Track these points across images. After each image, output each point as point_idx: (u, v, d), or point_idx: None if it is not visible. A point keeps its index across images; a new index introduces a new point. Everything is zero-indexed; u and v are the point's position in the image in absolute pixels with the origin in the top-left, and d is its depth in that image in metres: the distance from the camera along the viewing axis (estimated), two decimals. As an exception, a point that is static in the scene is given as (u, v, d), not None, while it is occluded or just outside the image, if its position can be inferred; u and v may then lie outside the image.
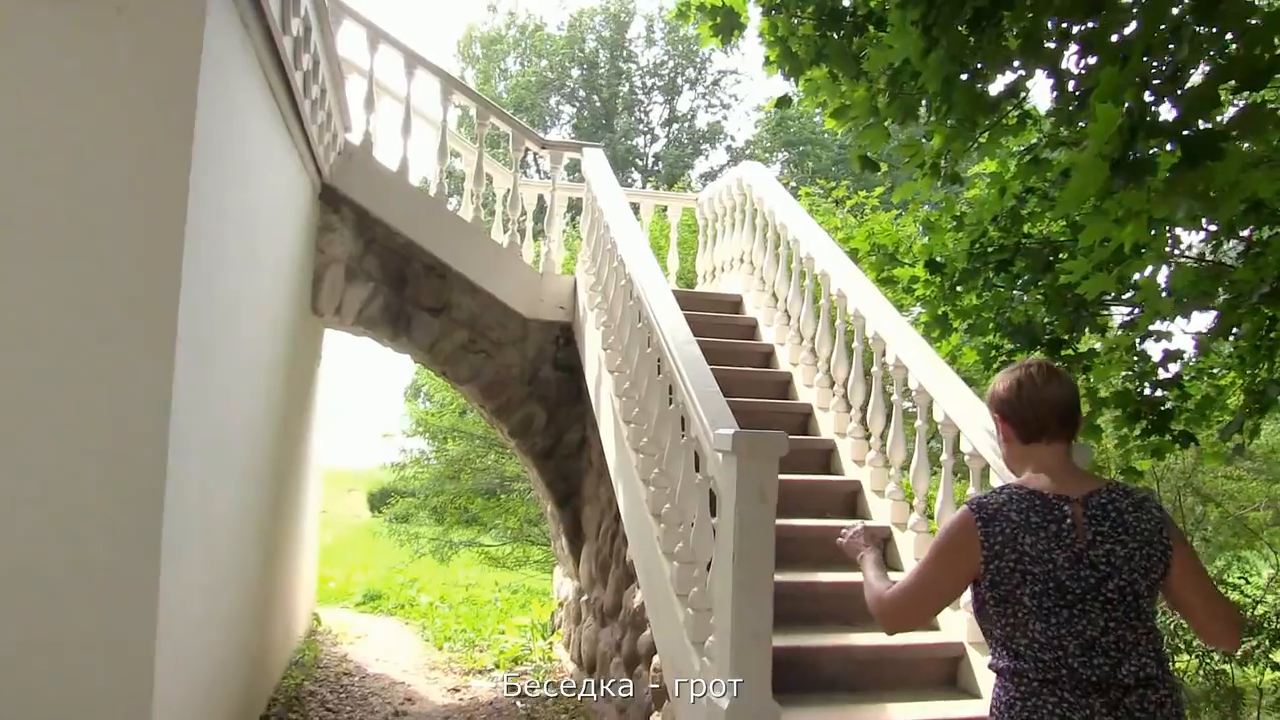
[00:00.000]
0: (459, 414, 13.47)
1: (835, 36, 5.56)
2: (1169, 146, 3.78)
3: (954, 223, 6.37)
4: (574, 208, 9.90)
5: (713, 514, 3.85)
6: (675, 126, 36.90)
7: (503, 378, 6.99)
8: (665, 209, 9.06)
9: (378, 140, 7.02)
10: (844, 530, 2.82)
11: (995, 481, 4.31)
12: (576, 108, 36.26)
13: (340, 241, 6.74)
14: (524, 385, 7.04)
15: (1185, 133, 3.44)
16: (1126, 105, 3.65)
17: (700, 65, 36.64)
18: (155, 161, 3.16)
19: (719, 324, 6.94)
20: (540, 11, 36.90)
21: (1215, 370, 6.62)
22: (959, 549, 2.22)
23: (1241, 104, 4.21)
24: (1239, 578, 6.21)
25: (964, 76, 5.14)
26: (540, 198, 8.45)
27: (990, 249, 6.28)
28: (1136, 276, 5.11)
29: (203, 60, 3.21)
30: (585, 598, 6.91)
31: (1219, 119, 4.26)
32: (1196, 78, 3.80)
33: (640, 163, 34.43)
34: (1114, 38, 4.25)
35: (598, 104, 36.03)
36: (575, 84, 36.50)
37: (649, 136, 36.85)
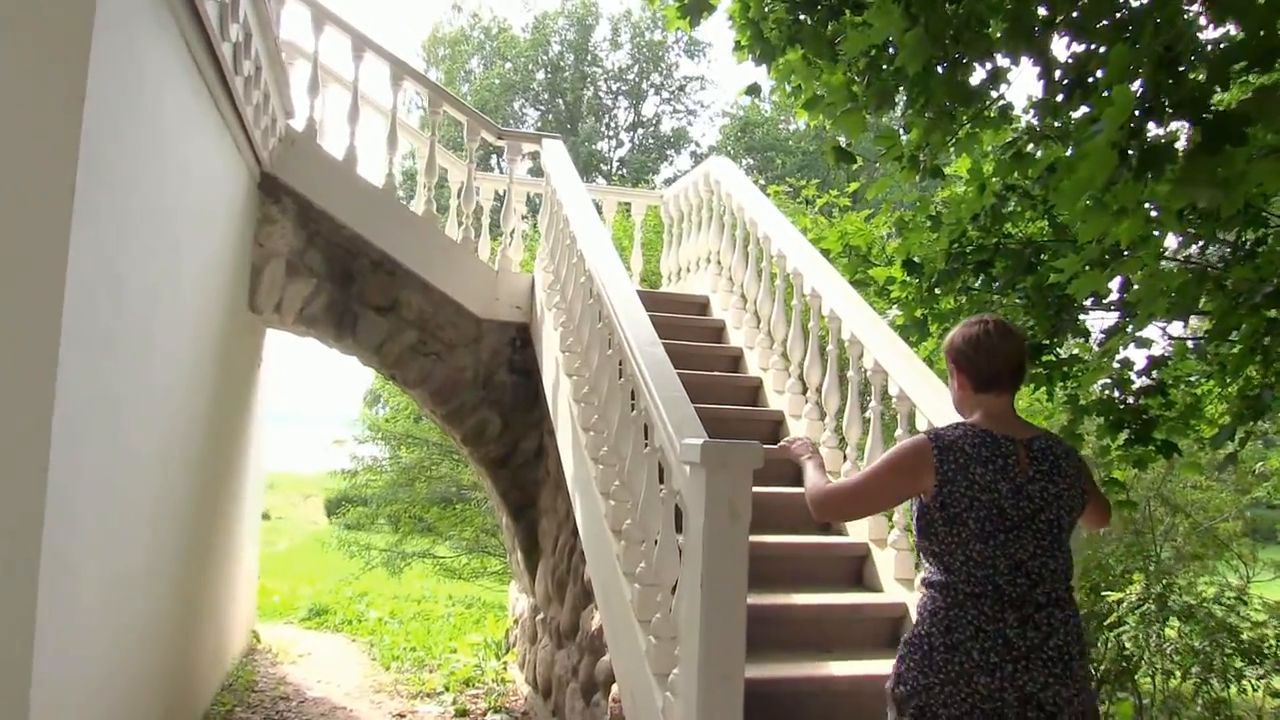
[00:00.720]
0: (413, 419, 12.99)
1: (810, 20, 5.22)
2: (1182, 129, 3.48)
3: (929, 222, 6.06)
4: (535, 204, 9.50)
5: (679, 531, 3.48)
6: (640, 131, 36.62)
7: (454, 381, 6.57)
8: (629, 206, 8.69)
9: (323, 128, 6.59)
10: (791, 439, 3.16)
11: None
12: (541, 111, 35.85)
13: (281, 234, 6.29)
14: (477, 389, 6.62)
15: (1205, 115, 3.13)
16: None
17: (666, 70, 36.43)
18: (36, 130, 2.73)
19: (685, 326, 6.57)
20: (505, 14, 36.25)
21: (1192, 377, 6.37)
22: (909, 470, 2.52)
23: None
24: (1232, 597, 5.94)
25: (941, 69, 4.85)
26: (498, 193, 8.04)
27: (969, 249, 5.97)
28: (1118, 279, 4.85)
29: (97, 17, 2.79)
30: (541, 616, 6.50)
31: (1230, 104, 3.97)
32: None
33: (605, 167, 34.06)
34: (1108, 20, 3.96)
35: (562, 107, 35.64)
36: (539, 87, 36.11)
37: (614, 141, 36.54)
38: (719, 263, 7.04)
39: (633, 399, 4.20)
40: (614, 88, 36.76)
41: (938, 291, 6.10)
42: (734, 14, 5.43)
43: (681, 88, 36.91)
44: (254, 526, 8.10)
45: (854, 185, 6.98)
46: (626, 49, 36.41)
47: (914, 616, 2.54)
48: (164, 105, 3.69)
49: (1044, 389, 6.05)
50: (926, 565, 2.55)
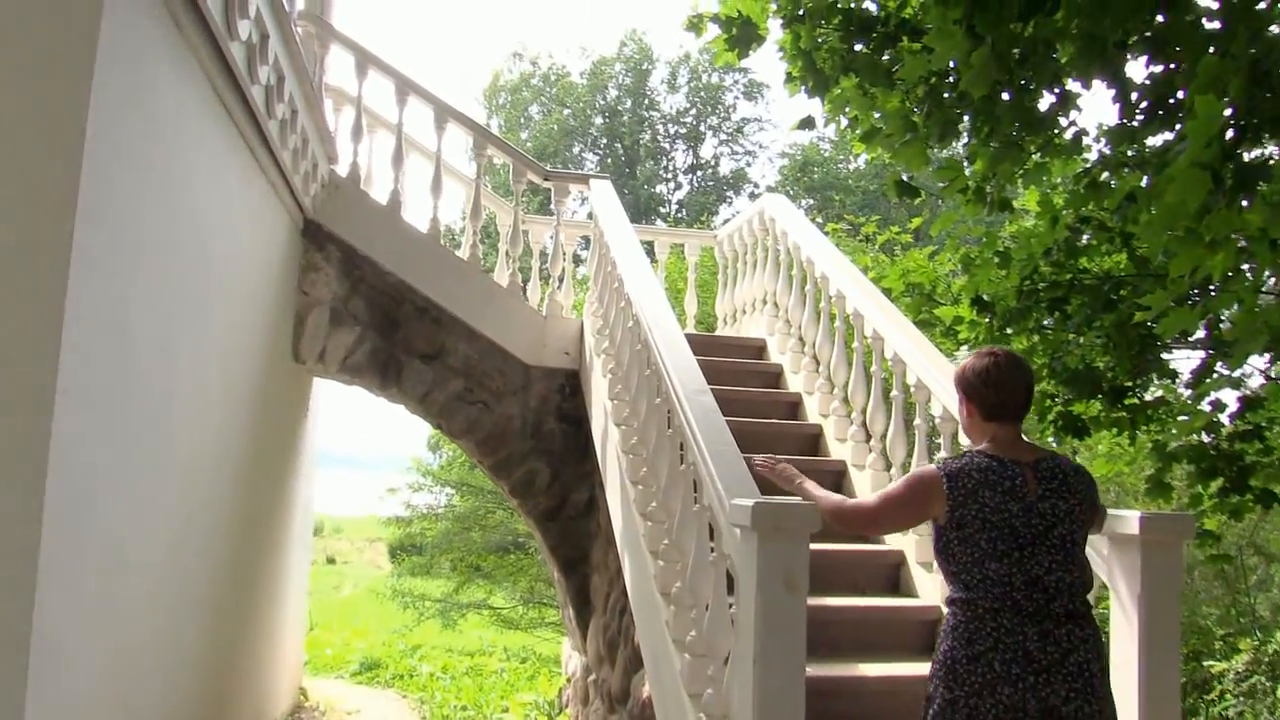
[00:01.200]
0: (469, 466, 12.81)
1: (864, 48, 4.95)
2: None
3: (996, 258, 5.71)
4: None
5: (732, 593, 3.17)
6: (699, 174, 36.52)
7: (502, 430, 6.34)
8: (682, 247, 8.44)
9: (368, 173, 6.47)
10: (767, 458, 3.22)
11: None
12: (599, 155, 35.98)
13: (324, 282, 6.16)
14: (526, 439, 6.38)
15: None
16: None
17: (724, 112, 36.37)
18: (33, 172, 2.56)
19: (741, 370, 6.27)
20: (563, 60, 36.62)
21: (1283, 419, 5.88)
22: (921, 500, 2.67)
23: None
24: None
25: (1005, 96, 4.54)
26: (548, 236, 7.86)
27: (1042, 286, 5.60)
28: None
29: (100, 51, 2.63)
30: (593, 677, 6.18)
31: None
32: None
33: (664, 210, 33.98)
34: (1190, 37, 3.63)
35: (620, 151, 35.74)
36: (597, 132, 36.28)
37: (672, 183, 36.48)
38: (775, 304, 6.74)
39: (682, 451, 3.91)
40: (671, 130, 36.79)
41: (1009, 331, 5.73)
42: (785, 45, 5.18)
43: (739, 129, 36.77)
44: (302, 578, 7.92)
45: (917, 221, 6.65)
46: (684, 92, 36.44)
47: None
48: (183, 148, 3.54)
49: (1126, 434, 5.63)
50: (949, 587, 2.66)
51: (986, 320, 5.71)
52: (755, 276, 7.08)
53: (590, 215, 6.62)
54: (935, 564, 2.75)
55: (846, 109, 4.96)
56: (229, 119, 4.08)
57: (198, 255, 3.86)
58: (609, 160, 35.41)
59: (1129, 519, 3.20)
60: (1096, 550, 3.46)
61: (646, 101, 36.22)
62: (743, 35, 5.15)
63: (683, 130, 36.49)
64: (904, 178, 5.00)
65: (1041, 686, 2.41)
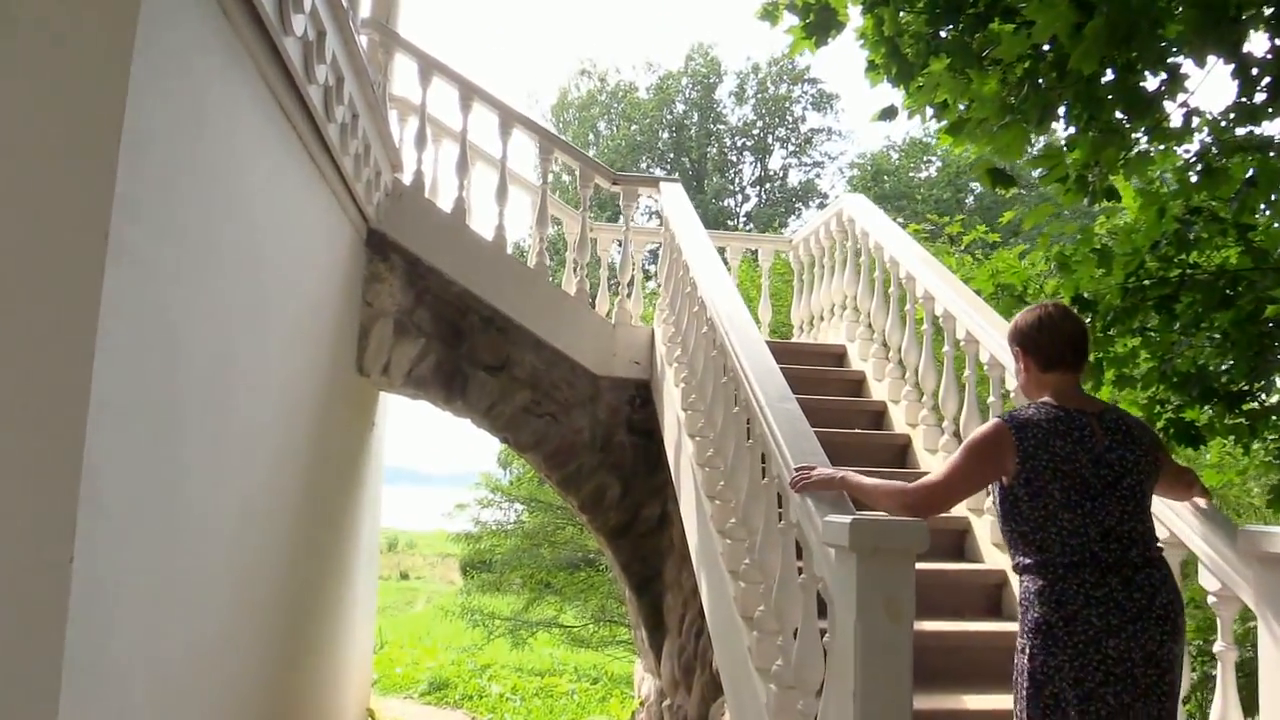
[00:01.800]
0: (538, 482, 12.62)
1: (954, 31, 4.62)
2: None
3: (1094, 255, 5.30)
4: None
5: (823, 616, 2.88)
6: (767, 186, 36.17)
7: (570, 443, 6.11)
8: (755, 253, 8.14)
9: (433, 181, 6.32)
10: (800, 474, 2.93)
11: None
12: (666, 169, 35.86)
13: (389, 293, 6.01)
14: (595, 452, 6.13)
15: None
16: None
17: (792, 124, 36.01)
18: (68, 165, 2.39)
19: (820, 379, 5.95)
20: (630, 76, 36.63)
21: None
22: (991, 456, 2.57)
23: None
24: None
25: (1108, 77, 4.19)
26: (619, 243, 7.63)
27: (1148, 283, 5.19)
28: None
29: (138, 43, 2.45)
30: (667, 702, 5.89)
31: None
32: None
33: (732, 223, 33.67)
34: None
35: (688, 166, 35.57)
36: (665, 146, 36.16)
37: (740, 196, 36.17)
38: (856, 309, 6.41)
39: (763, 463, 3.62)
40: (739, 143, 36.53)
41: (1111, 333, 5.32)
42: (866, 31, 4.87)
43: (808, 140, 36.39)
44: (370, 596, 7.78)
45: (1008, 215, 6.24)
46: (751, 104, 36.18)
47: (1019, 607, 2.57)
48: (235, 146, 3.38)
49: (1243, 442, 5.17)
50: (1018, 553, 2.57)
51: (1088, 320, 5.31)
52: (833, 280, 6.75)
53: (660, 220, 6.36)
54: (1000, 532, 2.68)
55: (934, 96, 4.64)
56: (285, 120, 3.92)
57: (254, 260, 3.70)
58: (676, 174, 35.26)
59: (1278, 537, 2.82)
60: (1231, 568, 3.09)
61: (713, 115, 36.02)
62: (821, 22, 4.86)
63: (750, 142, 36.20)
64: (998, 165, 4.66)
65: (1140, 634, 2.40)
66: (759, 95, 36.09)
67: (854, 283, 6.42)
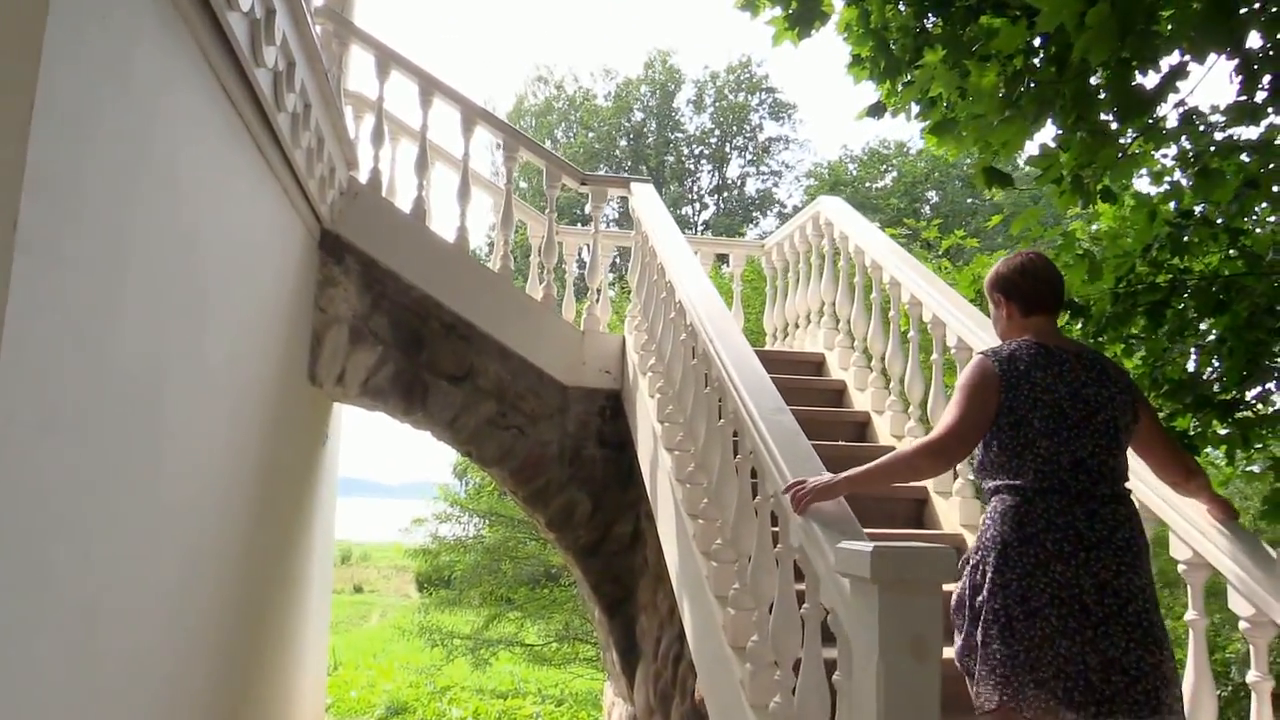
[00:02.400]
0: (498, 495, 12.25)
1: (943, 25, 4.40)
2: None
3: (1075, 260, 5.11)
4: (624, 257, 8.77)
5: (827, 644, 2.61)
6: (725, 194, 36.08)
7: (538, 457, 5.79)
8: (725, 258, 7.89)
9: (391, 180, 5.98)
10: (794, 488, 2.80)
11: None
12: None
13: (344, 297, 5.66)
14: (564, 466, 5.82)
15: None
16: None
17: (750, 133, 35.99)
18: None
19: (798, 389, 5.67)
20: (588, 84, 36.44)
21: None
22: (984, 389, 2.64)
23: None
24: None
25: (1097, 80, 4.00)
26: (583, 249, 7.35)
27: (1139, 288, 5.00)
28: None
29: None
30: (641, 730, 5.58)
31: None
32: None
33: (689, 231, 33.50)
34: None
35: (645, 173, 35.40)
36: (623, 154, 35.95)
37: (698, 205, 36.06)
38: (835, 316, 6.17)
39: (754, 479, 3.34)
40: (697, 151, 36.44)
41: (1101, 339, 5.13)
42: (850, 23, 4.65)
43: (766, 149, 36.43)
44: (323, 616, 7.39)
45: (996, 219, 6.07)
46: (709, 113, 36.13)
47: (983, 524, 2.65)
48: (170, 127, 3.03)
49: (1238, 451, 4.99)
50: (992, 478, 2.67)
51: (1079, 327, 5.12)
52: (810, 286, 6.51)
53: (633, 221, 6.08)
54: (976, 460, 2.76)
55: (927, 91, 4.42)
56: (230, 105, 3.57)
57: (189, 255, 3.35)
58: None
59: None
60: (1267, 592, 2.88)
61: (671, 123, 35.88)
62: (804, 13, 4.62)
63: (708, 151, 36.10)
64: (994, 167, 4.44)
65: (1093, 562, 2.47)
66: (717, 104, 36.07)
67: (832, 288, 6.18)
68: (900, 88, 4.98)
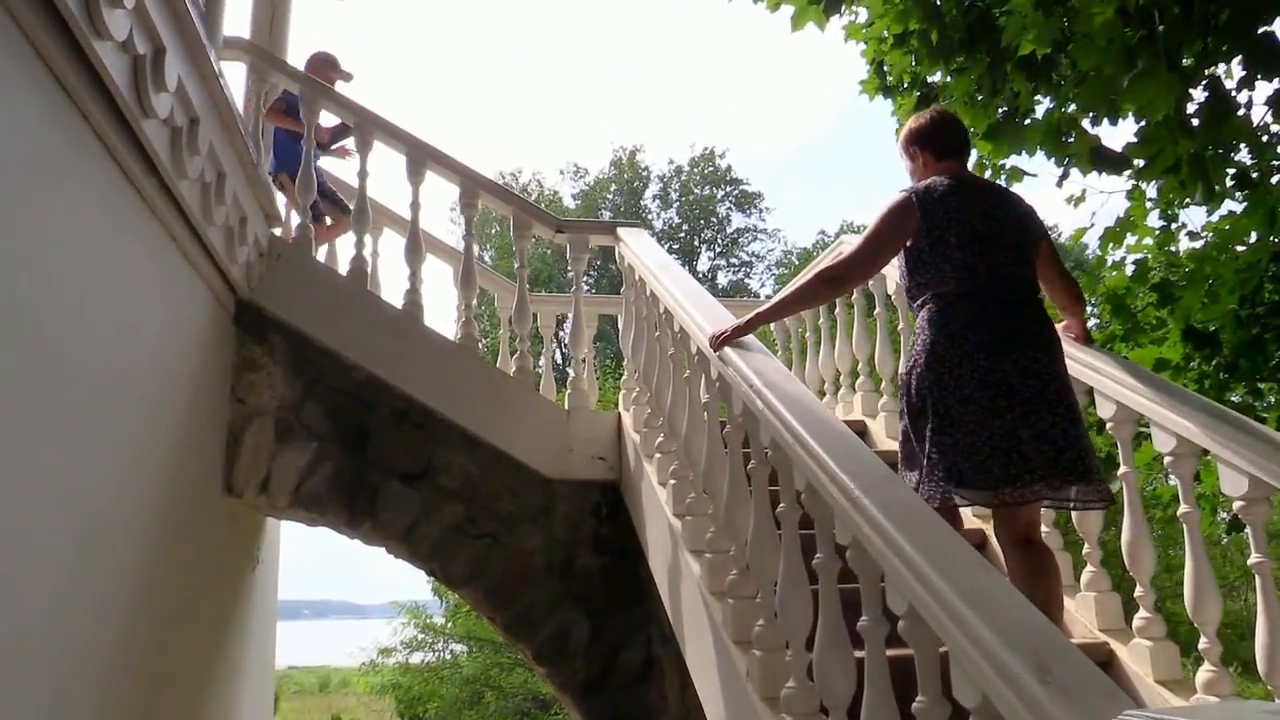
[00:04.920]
0: (477, 615, 10.87)
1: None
2: None
3: (1193, 281, 4.09)
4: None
5: None
6: (697, 287, 35.53)
7: (519, 572, 4.58)
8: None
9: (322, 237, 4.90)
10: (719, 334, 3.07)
11: None
12: (594, 276, 35.00)
13: (268, 384, 4.52)
14: (552, 581, 4.61)
15: None
16: None
17: (717, 225, 35.67)
18: None
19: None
20: (554, 183, 36.23)
21: None
22: (899, 217, 2.95)
23: None
24: None
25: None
26: (561, 318, 6.27)
27: (1261, 309, 3.97)
28: None
29: None
30: None
31: None
32: None
33: (664, 325, 32.71)
34: None
35: (615, 273, 34.76)
36: (592, 253, 35.38)
37: (671, 299, 35.42)
38: (875, 374, 5.09)
39: (848, 582, 2.19)
40: (666, 247, 35.99)
41: (1225, 377, 4.08)
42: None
43: (734, 240, 36.20)
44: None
45: (1079, 234, 5.05)
46: (675, 206, 35.90)
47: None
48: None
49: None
50: (918, 296, 2.97)
51: (1203, 361, 4.06)
52: (839, 343, 5.42)
53: (622, 276, 5.01)
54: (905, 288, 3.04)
55: (1021, 37, 3.44)
56: (82, 120, 2.50)
57: (26, 333, 2.21)
58: (604, 280, 34.42)
59: None
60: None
61: (639, 220, 35.48)
62: (834, -11, 3.69)
63: (677, 245, 35.62)
64: (1101, 145, 3.44)
65: (1014, 350, 2.75)
66: (683, 198, 35.84)
67: (865, 343, 5.11)
68: (950, 76, 4.02)
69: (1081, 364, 3.24)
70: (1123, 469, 3.23)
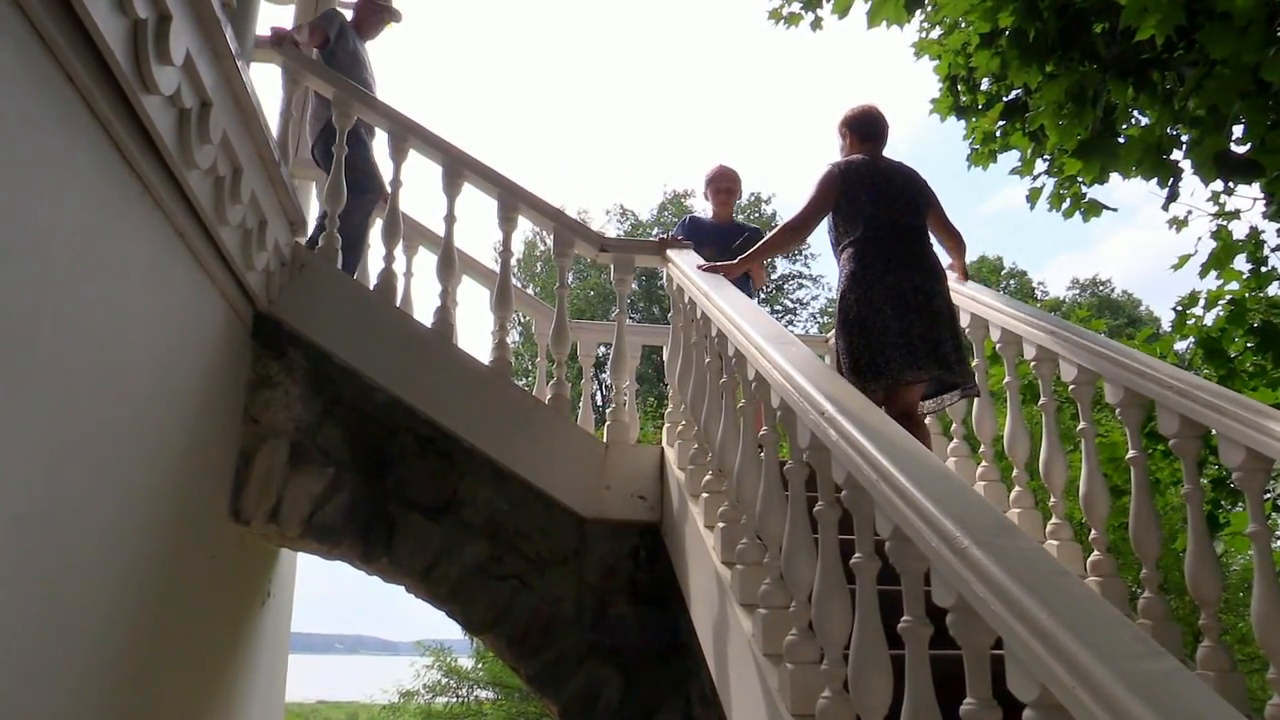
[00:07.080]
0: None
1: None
2: None
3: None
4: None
5: None
6: (740, 331, 35.11)
7: (546, 619, 4.17)
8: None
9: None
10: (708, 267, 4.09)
11: None
12: (637, 319, 34.76)
13: (284, 403, 4.19)
14: (582, 631, 4.19)
15: None
16: None
17: (767, 268, 35.42)
18: None
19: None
20: (601, 223, 36.12)
21: None
22: (828, 185, 4.03)
23: None
24: None
25: None
26: (602, 358, 5.90)
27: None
28: None
29: None
30: None
31: None
32: None
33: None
34: None
35: (658, 315, 34.50)
36: (635, 295, 35.20)
37: (713, 342, 35.04)
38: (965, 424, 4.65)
39: (940, 631, 1.77)
40: (710, 291, 35.67)
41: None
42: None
43: (779, 287, 35.85)
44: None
45: (1182, 260, 4.55)
46: (722, 251, 35.65)
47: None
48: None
49: None
50: (840, 245, 4.06)
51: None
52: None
53: (670, 301, 4.63)
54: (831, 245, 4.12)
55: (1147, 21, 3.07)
56: (90, 114, 2.21)
57: (37, 344, 1.89)
58: (648, 320, 34.19)
59: None
60: None
61: (684, 261, 35.22)
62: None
63: (722, 290, 35.32)
64: (1230, 149, 3.02)
65: (910, 274, 3.84)
66: (729, 243, 35.63)
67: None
68: (1039, 85, 3.60)
69: (959, 294, 4.30)
70: (1251, 527, 2.96)
